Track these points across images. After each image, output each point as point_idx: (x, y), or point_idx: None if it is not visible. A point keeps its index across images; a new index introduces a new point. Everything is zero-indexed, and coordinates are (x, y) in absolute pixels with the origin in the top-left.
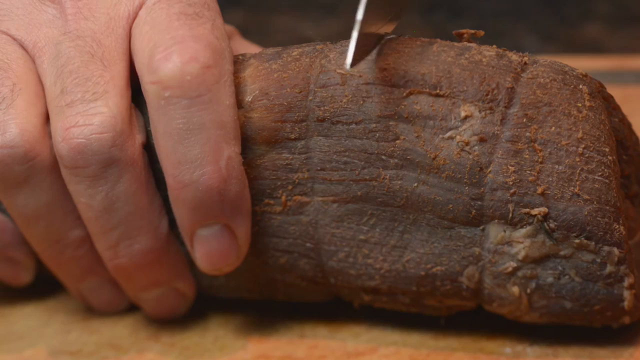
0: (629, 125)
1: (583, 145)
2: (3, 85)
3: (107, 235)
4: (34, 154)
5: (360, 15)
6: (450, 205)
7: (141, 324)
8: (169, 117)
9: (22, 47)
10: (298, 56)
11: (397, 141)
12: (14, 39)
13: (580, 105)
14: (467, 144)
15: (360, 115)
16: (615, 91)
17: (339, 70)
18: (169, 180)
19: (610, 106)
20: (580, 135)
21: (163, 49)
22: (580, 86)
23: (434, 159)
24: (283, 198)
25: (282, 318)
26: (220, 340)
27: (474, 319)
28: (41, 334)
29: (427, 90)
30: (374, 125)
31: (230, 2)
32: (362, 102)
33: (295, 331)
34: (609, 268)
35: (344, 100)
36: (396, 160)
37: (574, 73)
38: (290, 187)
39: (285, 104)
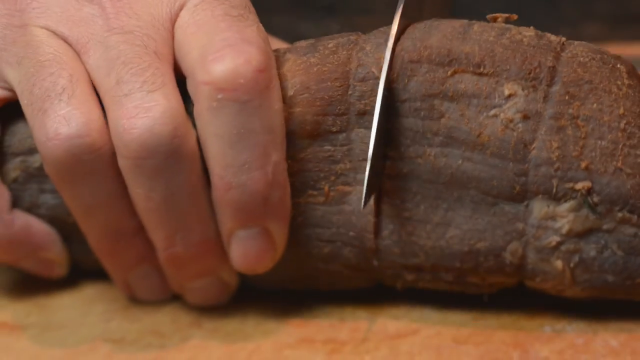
0: None
1: (625, 122)
2: (60, 77)
3: (164, 225)
4: (102, 142)
5: (371, 150)
6: (495, 182)
7: (182, 311)
8: (220, 120)
9: (66, 41)
10: (334, 48)
11: (442, 119)
12: (56, 34)
13: (619, 83)
14: (511, 121)
15: (405, 94)
16: None
17: (373, 69)
18: (215, 180)
19: None
20: (621, 111)
21: (215, 50)
22: (618, 65)
23: (478, 136)
24: (326, 189)
25: (320, 303)
26: (262, 325)
27: (512, 299)
28: (82, 323)
29: (471, 69)
30: (418, 104)
31: None
32: (406, 81)
33: (335, 315)
34: None
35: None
36: (441, 138)
37: (610, 53)
38: (332, 178)
39: (327, 97)
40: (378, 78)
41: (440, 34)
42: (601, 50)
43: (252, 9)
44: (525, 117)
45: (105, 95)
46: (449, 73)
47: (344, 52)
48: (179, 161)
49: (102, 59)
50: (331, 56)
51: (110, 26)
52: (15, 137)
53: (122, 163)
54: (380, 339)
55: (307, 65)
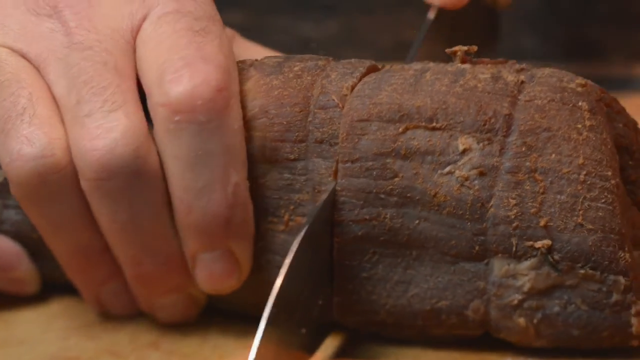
0: (634, 127)
1: (585, 172)
2: (20, 96)
3: (130, 245)
4: (65, 161)
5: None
6: (453, 241)
7: (141, 331)
8: (178, 142)
9: (24, 58)
10: (300, 72)
11: (396, 179)
12: (14, 51)
13: (580, 126)
14: (466, 178)
15: (356, 154)
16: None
17: (333, 97)
18: (176, 202)
19: (612, 111)
20: (581, 161)
21: (173, 70)
22: (580, 103)
23: (434, 196)
24: (286, 217)
25: None
26: (220, 349)
27: None
28: (41, 339)
29: (424, 124)
30: (370, 163)
31: (230, 2)
32: (357, 140)
33: None
34: (615, 297)
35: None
36: (395, 199)
37: (572, 87)
38: (292, 207)
39: (285, 123)
40: (338, 106)
41: (390, 87)
42: (562, 87)
43: (218, 17)
44: (482, 174)
45: (66, 114)
46: (401, 130)
47: (309, 78)
48: (142, 181)
49: (63, 76)
50: (295, 80)
51: (70, 41)
52: None
53: (84, 184)
54: None
55: (269, 88)
